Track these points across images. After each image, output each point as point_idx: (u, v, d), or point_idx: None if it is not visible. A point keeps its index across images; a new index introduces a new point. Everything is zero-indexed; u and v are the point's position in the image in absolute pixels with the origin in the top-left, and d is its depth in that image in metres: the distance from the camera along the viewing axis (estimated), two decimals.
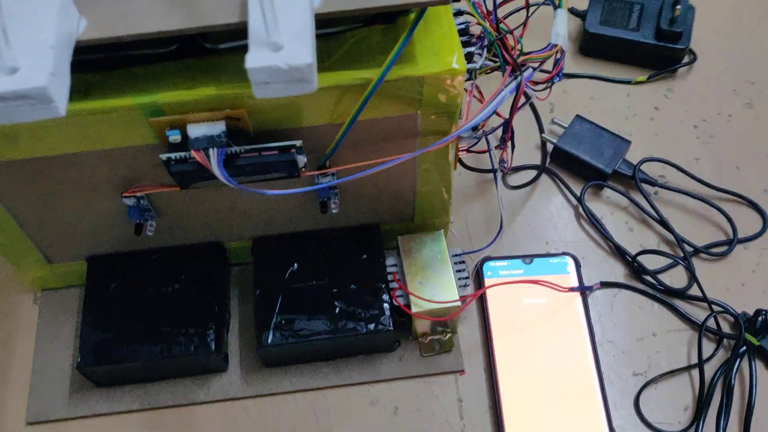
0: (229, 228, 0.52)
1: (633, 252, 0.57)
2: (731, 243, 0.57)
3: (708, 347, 0.53)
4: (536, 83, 0.49)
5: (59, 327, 0.54)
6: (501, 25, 0.47)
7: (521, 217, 0.60)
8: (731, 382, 0.51)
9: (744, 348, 0.52)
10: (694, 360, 0.52)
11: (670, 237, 0.58)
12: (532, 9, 0.51)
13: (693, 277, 0.54)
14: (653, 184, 0.60)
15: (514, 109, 0.46)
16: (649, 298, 0.56)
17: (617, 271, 0.57)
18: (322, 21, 0.37)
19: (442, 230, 0.53)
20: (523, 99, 0.49)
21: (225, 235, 0.53)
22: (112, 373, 0.50)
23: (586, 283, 0.56)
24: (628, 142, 0.61)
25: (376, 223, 0.54)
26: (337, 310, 0.50)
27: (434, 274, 0.51)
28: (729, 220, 0.58)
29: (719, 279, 0.56)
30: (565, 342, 0.53)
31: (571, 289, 0.54)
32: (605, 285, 0.56)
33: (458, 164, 0.58)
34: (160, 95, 0.40)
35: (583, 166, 0.61)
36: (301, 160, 0.44)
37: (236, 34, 0.37)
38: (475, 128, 0.49)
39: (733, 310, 0.54)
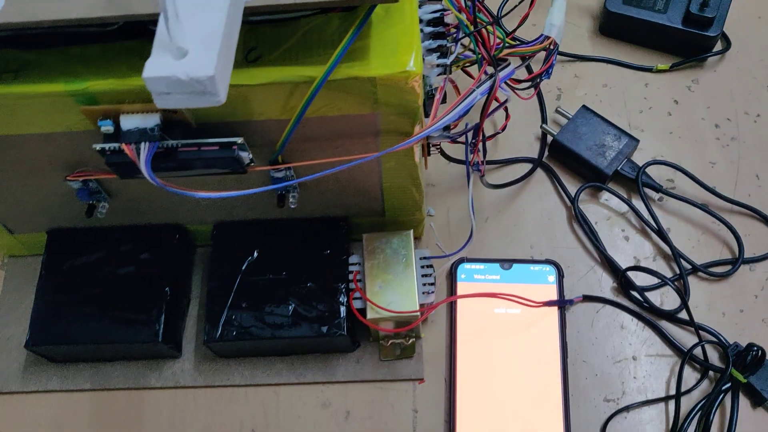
0: (189, 213, 0.50)
1: (624, 265, 0.52)
2: (735, 262, 0.52)
3: (691, 378, 0.49)
4: (519, 81, 0.44)
5: (22, 296, 0.53)
6: (481, 14, 0.42)
7: (507, 214, 0.55)
8: (709, 419, 0.47)
9: (729, 384, 0.47)
10: (674, 390, 0.48)
11: (668, 250, 0.53)
12: None
13: (683, 302, 0.49)
14: (657, 189, 0.54)
15: (484, 114, 0.41)
16: (635, 317, 0.51)
17: (604, 284, 0.53)
18: (273, 7, 0.33)
19: (411, 231, 0.49)
20: (503, 97, 0.44)
21: (185, 219, 0.51)
22: (62, 352, 0.49)
23: (569, 295, 0.52)
24: (636, 141, 0.56)
25: (344, 216, 0.50)
26: (291, 308, 0.48)
27: (396, 278, 0.47)
28: (736, 236, 0.53)
29: (716, 302, 0.51)
30: (534, 358, 0.49)
31: (546, 304, 0.50)
32: (588, 299, 0.52)
33: (442, 155, 0.54)
34: (92, 82, 0.37)
35: (581, 164, 0.56)
36: (245, 156, 0.40)
37: None
38: (446, 128, 0.44)
39: (725, 339, 0.49)
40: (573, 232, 0.55)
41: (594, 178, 0.55)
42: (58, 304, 0.49)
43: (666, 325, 0.51)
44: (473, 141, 0.43)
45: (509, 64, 0.42)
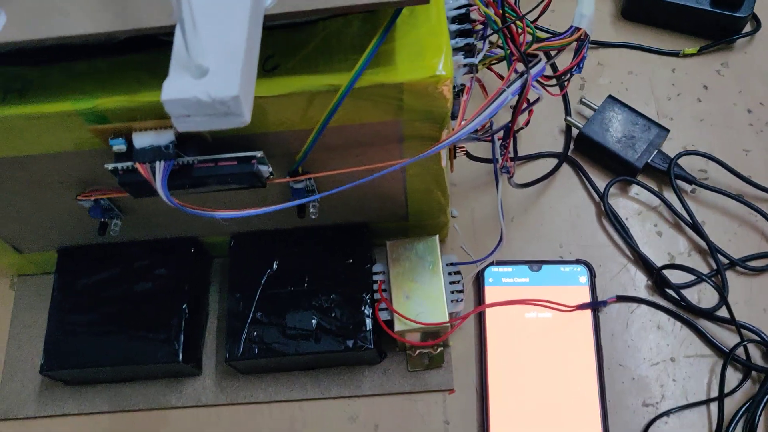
0: (205, 226, 0.48)
1: (658, 262, 0.50)
2: None
3: (733, 378, 0.47)
4: (549, 77, 0.42)
5: (35, 315, 0.52)
6: (509, 9, 0.40)
7: (534, 213, 0.53)
8: (755, 422, 0.45)
9: None
10: (716, 392, 0.46)
11: (704, 245, 0.51)
12: None
13: (722, 299, 0.47)
14: (690, 181, 0.52)
15: (516, 114, 0.39)
16: (671, 317, 0.49)
17: (638, 283, 0.51)
18: (294, 14, 0.31)
19: (437, 236, 0.47)
20: (533, 96, 0.42)
21: (201, 232, 0.49)
22: (78, 375, 0.48)
23: (601, 295, 0.50)
24: (666, 131, 0.53)
25: (366, 222, 0.48)
26: (314, 322, 0.46)
27: (423, 287, 0.45)
28: None
29: (756, 298, 0.49)
30: (568, 363, 0.47)
31: (579, 307, 0.48)
32: (622, 299, 0.50)
33: (465, 156, 0.52)
34: (101, 100, 0.35)
35: (610, 157, 0.53)
36: (265, 170, 0.38)
37: None
38: (475, 130, 0.42)
39: (767, 337, 0.47)
40: (603, 229, 0.52)
41: (623, 172, 0.53)
42: (72, 325, 0.47)
43: (705, 324, 0.49)
44: (504, 143, 0.41)
45: (540, 60, 0.40)
